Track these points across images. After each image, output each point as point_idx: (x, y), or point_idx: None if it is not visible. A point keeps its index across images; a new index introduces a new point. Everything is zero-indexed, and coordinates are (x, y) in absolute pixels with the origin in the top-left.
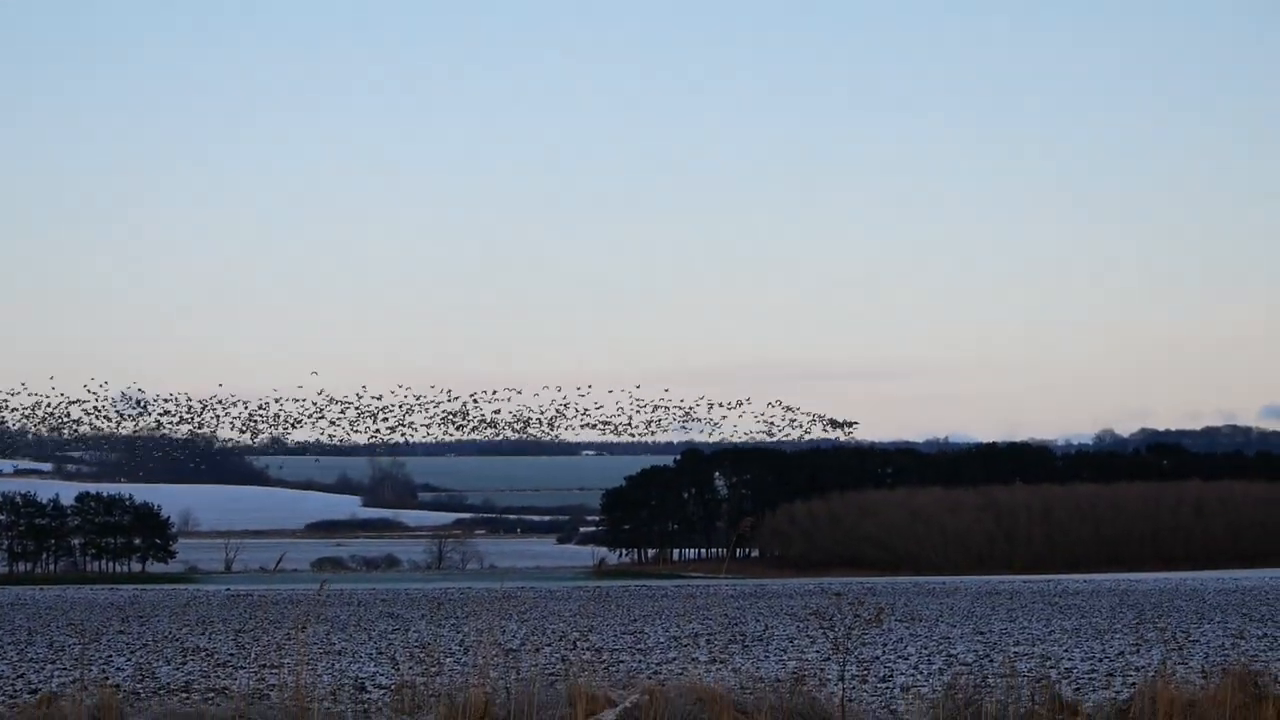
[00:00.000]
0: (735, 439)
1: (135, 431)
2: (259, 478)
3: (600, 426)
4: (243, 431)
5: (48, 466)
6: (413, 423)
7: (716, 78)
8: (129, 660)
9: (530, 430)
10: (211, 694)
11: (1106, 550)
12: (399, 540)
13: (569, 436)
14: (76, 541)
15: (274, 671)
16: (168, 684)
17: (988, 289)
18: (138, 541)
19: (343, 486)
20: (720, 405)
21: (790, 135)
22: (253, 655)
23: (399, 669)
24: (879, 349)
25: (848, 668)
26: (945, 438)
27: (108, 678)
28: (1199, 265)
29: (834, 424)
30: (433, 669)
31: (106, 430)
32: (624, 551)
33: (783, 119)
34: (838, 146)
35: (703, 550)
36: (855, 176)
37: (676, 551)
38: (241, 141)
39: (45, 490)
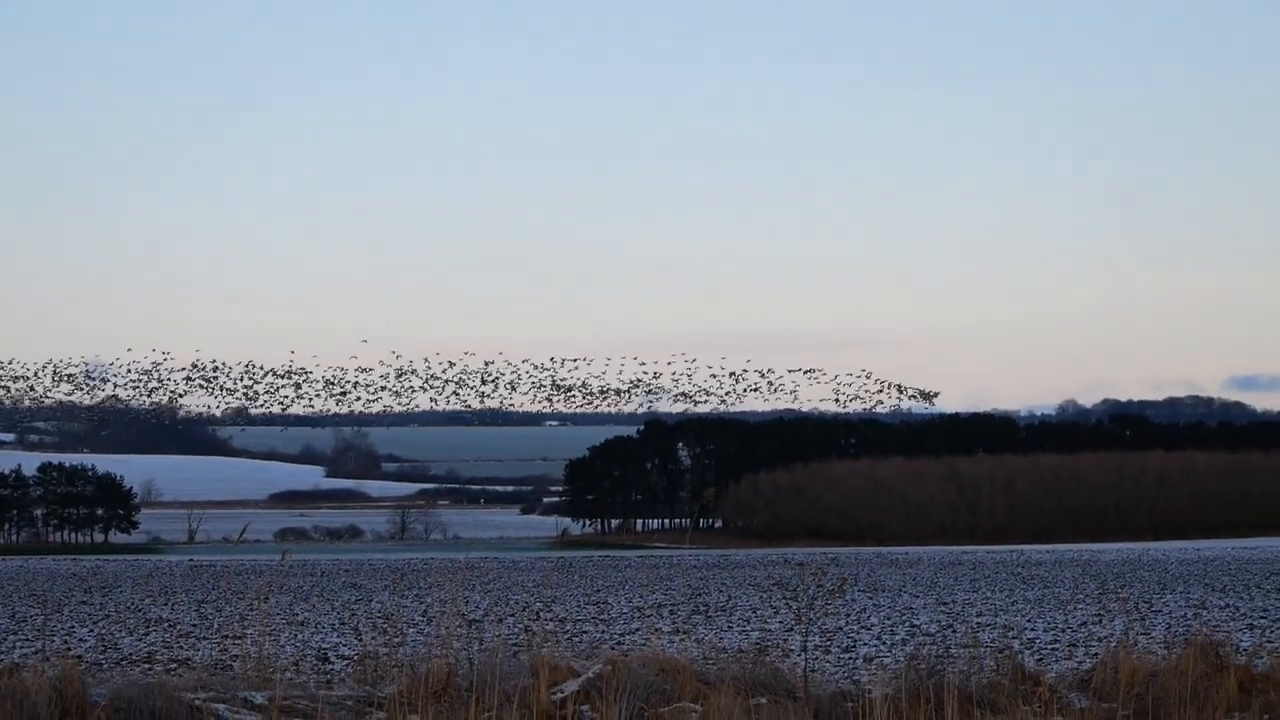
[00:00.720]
0: (804, 407)
1: (98, 401)
2: (222, 448)
3: (695, 397)
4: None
5: (10, 437)
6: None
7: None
8: (91, 631)
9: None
10: (174, 665)
11: (1069, 521)
12: (362, 511)
13: (662, 407)
14: (39, 512)
15: (237, 642)
16: (130, 655)
17: (948, 261)
18: (100, 512)
19: (306, 457)
20: (796, 371)
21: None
22: (215, 626)
23: (362, 639)
24: (839, 319)
25: (810, 638)
26: (908, 409)
27: (70, 649)
28: (1166, 236)
29: (923, 395)
30: (396, 640)
31: (69, 401)
32: (587, 522)
33: (798, 87)
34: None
35: (666, 521)
36: (838, 160)
37: (640, 522)
38: (208, 110)
39: (7, 461)
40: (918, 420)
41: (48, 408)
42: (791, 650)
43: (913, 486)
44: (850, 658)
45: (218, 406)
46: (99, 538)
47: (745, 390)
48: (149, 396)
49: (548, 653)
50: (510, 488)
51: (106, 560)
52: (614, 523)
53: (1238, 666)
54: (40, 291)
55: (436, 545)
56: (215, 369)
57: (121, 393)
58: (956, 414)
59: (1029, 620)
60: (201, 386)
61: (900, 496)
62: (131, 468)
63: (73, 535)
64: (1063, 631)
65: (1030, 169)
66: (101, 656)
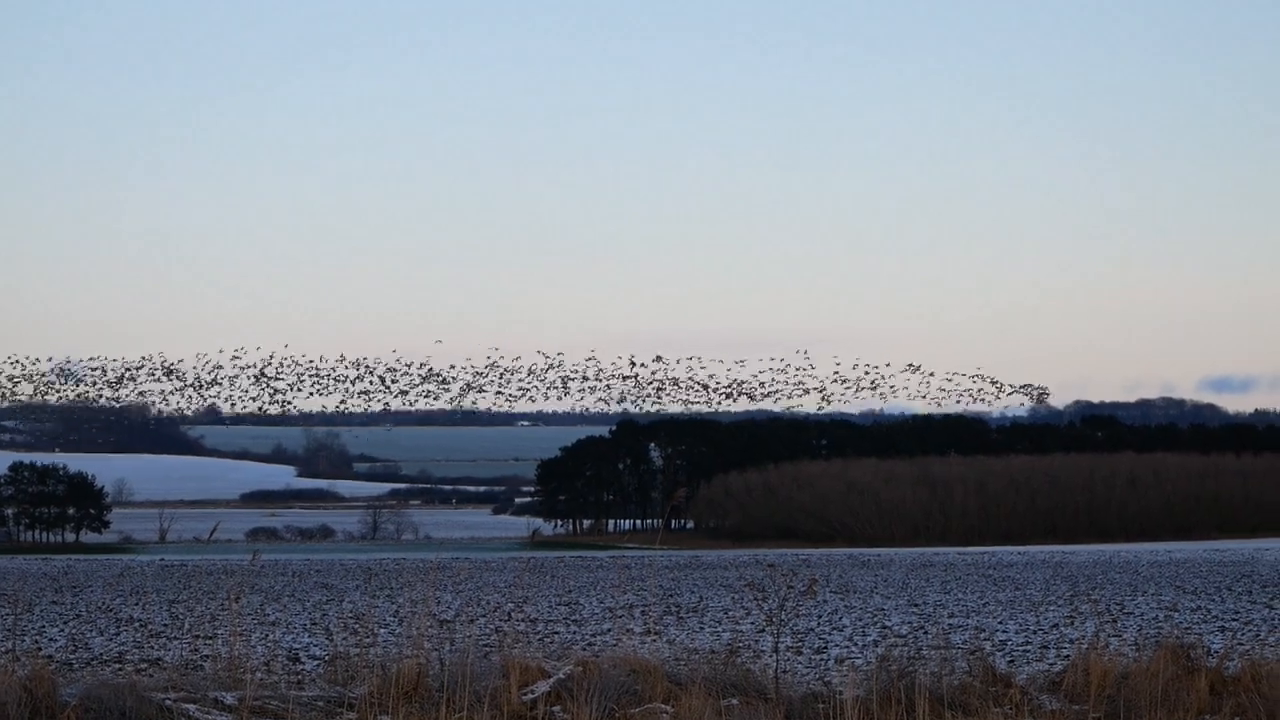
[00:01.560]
0: (915, 407)
1: (72, 400)
2: (194, 448)
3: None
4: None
5: None
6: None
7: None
8: (62, 631)
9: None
10: (145, 665)
11: (1041, 522)
12: (334, 511)
13: (738, 406)
14: (10, 511)
15: (208, 642)
16: (101, 655)
17: (922, 259)
18: (72, 511)
19: (278, 457)
20: (912, 369)
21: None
22: (186, 626)
23: (333, 640)
24: (817, 317)
25: (782, 639)
26: (880, 409)
27: (40, 648)
28: (1140, 237)
29: (1040, 394)
30: (367, 640)
31: (39, 400)
32: (559, 522)
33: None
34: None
35: (638, 521)
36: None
37: (612, 522)
38: (190, 102)
39: None
40: (889, 421)
41: (18, 407)
42: (763, 651)
43: (884, 488)
44: (822, 659)
45: (189, 406)
46: (70, 537)
47: (855, 388)
48: (120, 396)
49: (519, 653)
50: (482, 488)
51: (77, 560)
52: (586, 523)
53: (1209, 669)
54: (8, 290)
55: (408, 545)
56: (184, 367)
57: (92, 392)
58: (928, 415)
59: (1000, 622)
60: (170, 385)
61: (872, 497)
62: (103, 467)
63: (44, 535)
64: (1034, 633)
65: (1005, 168)
66: (72, 656)
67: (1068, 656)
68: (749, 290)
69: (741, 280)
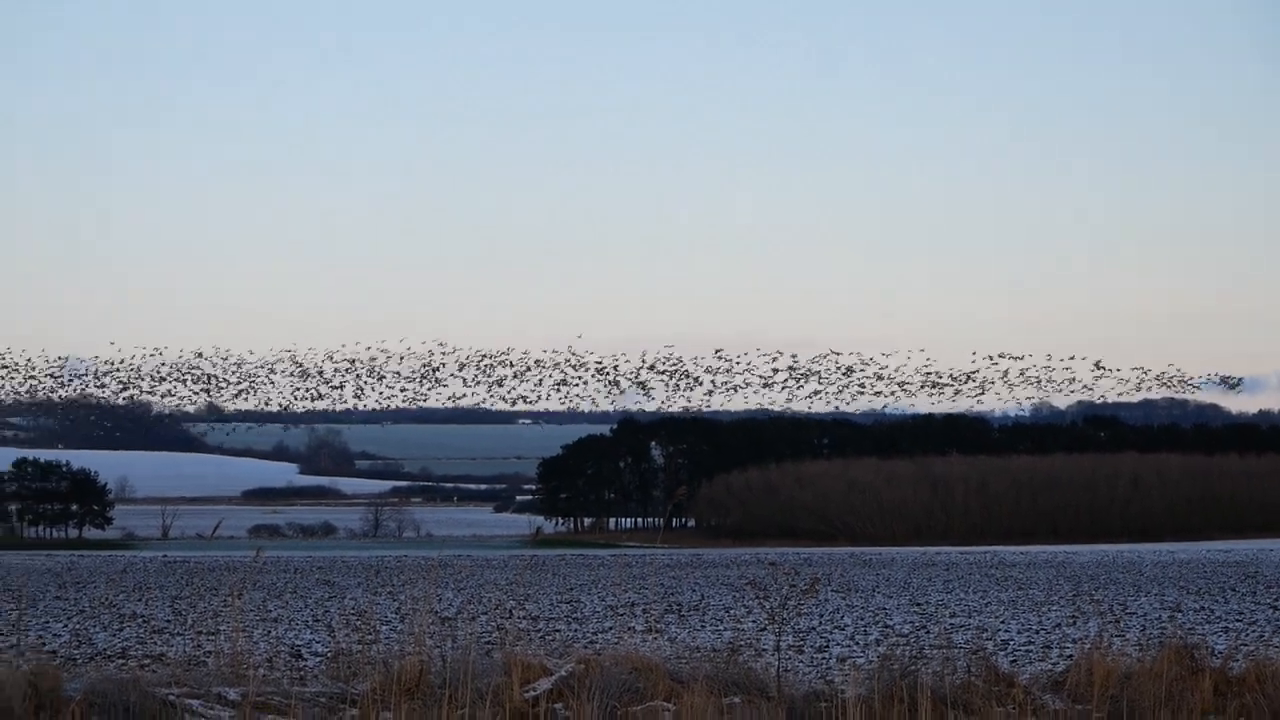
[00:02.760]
0: (1095, 400)
1: (72, 397)
2: (196, 445)
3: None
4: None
5: None
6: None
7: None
8: (65, 626)
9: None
10: (148, 660)
11: (1043, 522)
12: (336, 508)
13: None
14: (13, 507)
15: (210, 638)
16: (104, 650)
17: (922, 260)
18: (74, 508)
19: (280, 454)
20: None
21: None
22: (189, 622)
23: (335, 636)
24: (816, 320)
25: (784, 638)
26: (882, 408)
27: (44, 644)
28: (1146, 237)
29: (1229, 383)
30: (369, 637)
31: (42, 397)
32: (560, 520)
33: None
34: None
35: (639, 519)
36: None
37: (613, 520)
38: (186, 94)
39: None
40: (890, 421)
41: (21, 404)
42: (765, 650)
43: (886, 487)
44: (824, 658)
45: (191, 403)
46: (73, 533)
47: (1052, 382)
48: (123, 392)
49: (520, 651)
50: (483, 486)
51: (80, 556)
52: (587, 521)
53: (1213, 669)
54: (12, 287)
55: (410, 543)
56: (190, 365)
57: (95, 389)
58: (930, 415)
59: (1003, 621)
60: (179, 382)
61: (874, 496)
62: (105, 464)
63: (47, 531)
64: (1037, 633)
65: (1011, 167)
66: (75, 652)
67: (1071, 656)
68: (864, 288)
69: (866, 281)
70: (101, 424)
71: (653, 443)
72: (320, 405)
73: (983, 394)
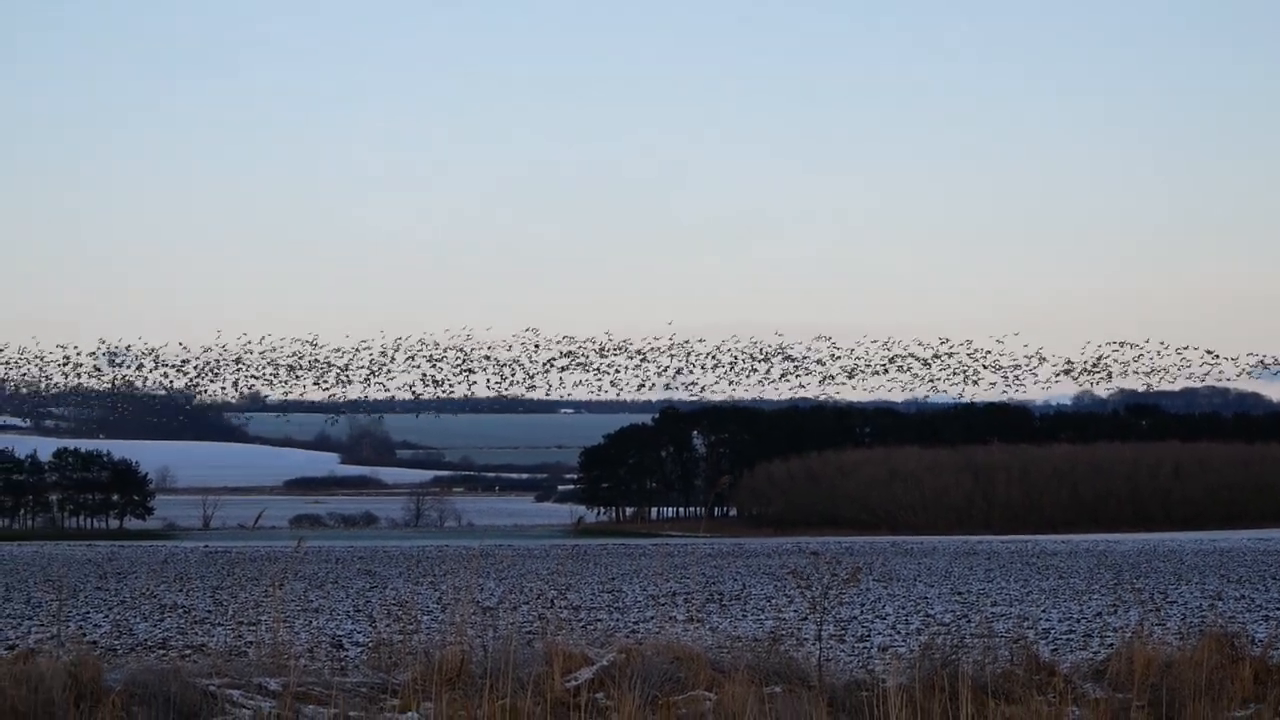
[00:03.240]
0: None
1: (117, 387)
2: (237, 434)
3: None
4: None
5: (26, 423)
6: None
7: None
8: (106, 617)
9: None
10: (189, 651)
11: (1085, 511)
12: (377, 498)
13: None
14: (54, 498)
15: (251, 629)
16: (144, 641)
17: (961, 248)
18: (115, 498)
19: (321, 444)
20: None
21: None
22: (230, 612)
23: (376, 626)
24: (860, 309)
25: (825, 627)
26: (924, 397)
27: (85, 634)
28: (1188, 223)
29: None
30: (410, 627)
31: (86, 386)
32: (602, 510)
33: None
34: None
35: (681, 509)
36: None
37: (654, 510)
38: (211, 92)
39: (23, 447)
40: (933, 409)
41: (63, 394)
42: (806, 639)
43: (928, 475)
44: (865, 647)
45: (233, 393)
46: (114, 523)
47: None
48: (165, 382)
49: (562, 640)
50: (525, 475)
51: (121, 546)
52: (629, 510)
53: (1253, 658)
54: (56, 276)
55: (451, 532)
56: (233, 354)
57: (137, 378)
58: (972, 403)
59: (1044, 610)
60: (215, 372)
61: (915, 485)
62: (146, 454)
63: (88, 521)
64: (1078, 622)
65: (1049, 156)
66: (116, 642)
67: (1111, 645)
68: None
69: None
70: (146, 414)
71: (694, 432)
72: (431, 394)
73: (1109, 380)
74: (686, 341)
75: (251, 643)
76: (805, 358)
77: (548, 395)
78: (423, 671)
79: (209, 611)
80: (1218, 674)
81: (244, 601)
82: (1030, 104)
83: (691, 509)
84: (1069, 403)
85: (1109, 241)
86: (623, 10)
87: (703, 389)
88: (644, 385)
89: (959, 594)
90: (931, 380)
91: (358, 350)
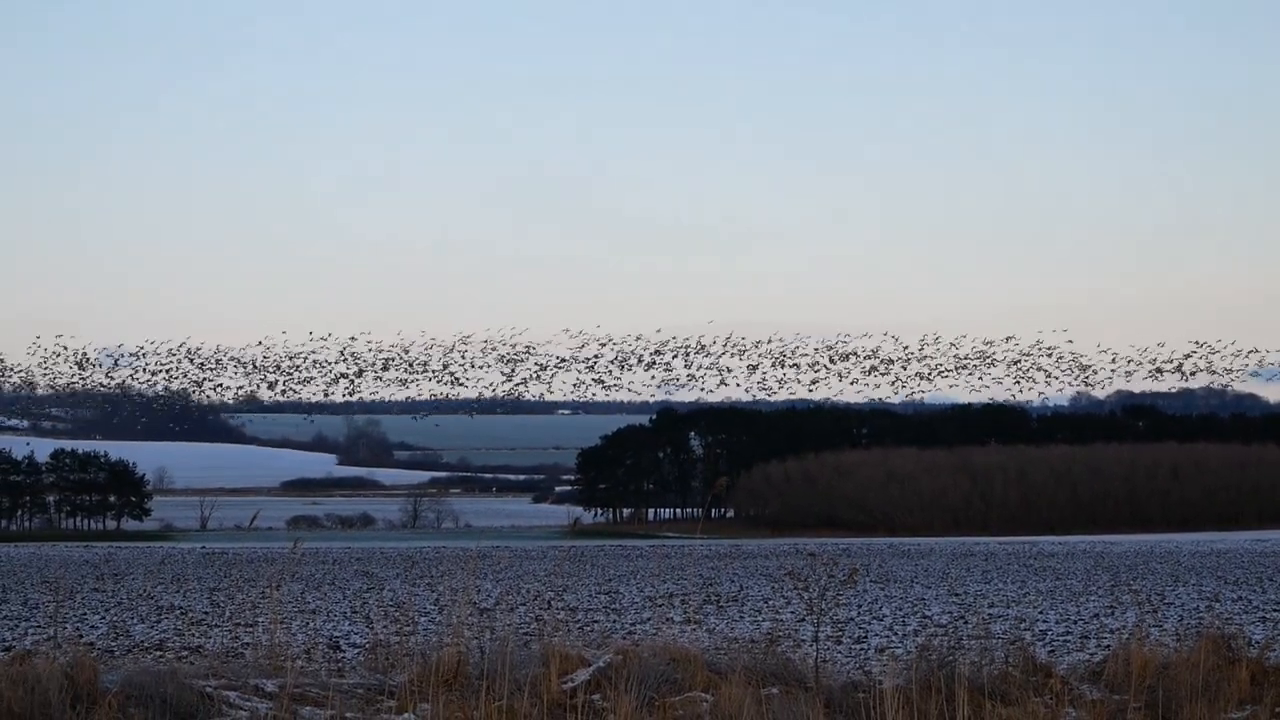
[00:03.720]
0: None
1: (114, 388)
2: (234, 435)
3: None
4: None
5: (23, 423)
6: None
7: None
8: (103, 618)
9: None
10: (186, 652)
11: (1082, 512)
12: (374, 499)
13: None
14: (51, 499)
15: (248, 630)
16: (142, 642)
17: (962, 251)
18: (113, 499)
19: (318, 445)
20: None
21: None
22: (227, 614)
23: (373, 628)
24: (853, 312)
25: (822, 629)
26: (921, 399)
27: (82, 635)
28: (1187, 226)
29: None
30: (407, 628)
31: (83, 387)
32: (599, 511)
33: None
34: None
35: (678, 510)
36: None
37: (652, 511)
38: (209, 90)
39: (20, 447)
40: (929, 411)
41: (61, 394)
42: (803, 640)
43: (925, 477)
44: (862, 648)
45: (230, 394)
46: (111, 524)
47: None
48: (162, 383)
49: (559, 642)
50: (522, 476)
51: (119, 547)
52: (626, 512)
53: (1250, 659)
54: (55, 276)
55: (448, 534)
56: (230, 355)
57: (134, 380)
58: (969, 405)
59: (1041, 612)
60: (214, 373)
61: (912, 487)
62: (144, 454)
63: (85, 522)
64: (1075, 623)
65: (1054, 157)
66: (113, 643)
67: (1108, 646)
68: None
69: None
70: (143, 415)
71: (692, 433)
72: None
73: (1189, 380)
74: (686, 341)
75: (248, 644)
76: (806, 358)
77: (545, 396)
78: (420, 673)
79: (206, 613)
80: (1214, 675)
81: (241, 603)
82: (1031, 104)
83: (689, 510)
84: (1065, 404)
85: (1111, 242)
86: (623, 10)
87: (701, 390)
88: (642, 386)
89: (956, 595)
90: (998, 380)
91: (358, 351)
